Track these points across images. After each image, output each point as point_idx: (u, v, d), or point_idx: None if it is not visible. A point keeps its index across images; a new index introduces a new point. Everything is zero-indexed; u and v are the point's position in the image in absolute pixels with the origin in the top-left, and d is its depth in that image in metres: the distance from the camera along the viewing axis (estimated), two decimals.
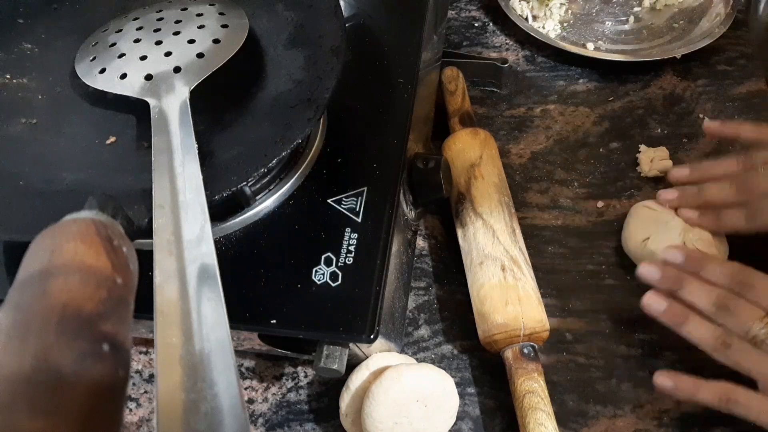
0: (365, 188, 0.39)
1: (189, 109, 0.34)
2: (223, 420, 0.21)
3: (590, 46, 0.61)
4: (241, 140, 0.37)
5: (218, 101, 0.39)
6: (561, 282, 0.49)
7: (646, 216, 0.48)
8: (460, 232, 0.48)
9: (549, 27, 0.63)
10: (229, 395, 0.21)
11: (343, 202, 0.39)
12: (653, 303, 0.40)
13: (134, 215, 0.30)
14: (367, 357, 0.41)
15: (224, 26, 0.39)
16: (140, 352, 0.48)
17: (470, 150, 0.50)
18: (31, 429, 0.18)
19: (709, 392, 0.37)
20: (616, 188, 0.53)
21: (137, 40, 0.39)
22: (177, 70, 0.37)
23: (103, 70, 0.38)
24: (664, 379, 0.38)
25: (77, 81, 0.39)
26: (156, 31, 0.39)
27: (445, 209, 0.51)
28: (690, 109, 0.58)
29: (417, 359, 0.45)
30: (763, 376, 0.36)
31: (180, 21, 0.40)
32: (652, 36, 0.63)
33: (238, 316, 0.36)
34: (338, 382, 0.42)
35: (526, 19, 0.64)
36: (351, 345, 0.37)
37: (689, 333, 0.39)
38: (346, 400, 0.41)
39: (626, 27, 0.64)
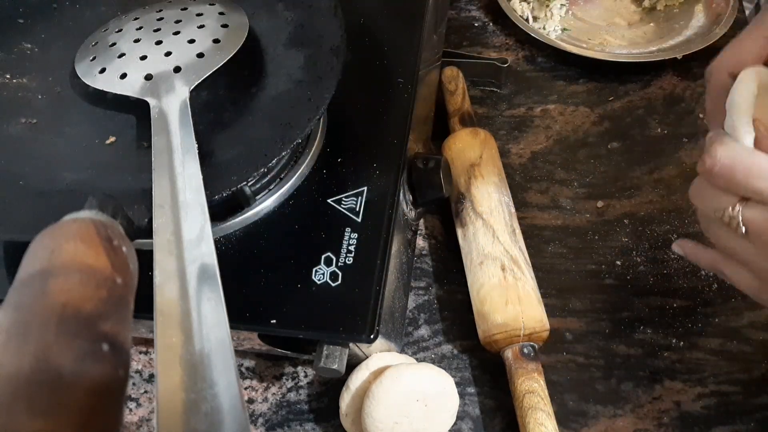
0: (365, 188, 0.39)
1: (189, 109, 0.34)
2: (223, 420, 0.21)
3: (590, 46, 0.61)
4: (241, 140, 0.37)
5: (218, 101, 0.39)
6: (561, 282, 0.49)
7: None
8: (460, 232, 0.48)
9: (549, 27, 0.63)
10: (229, 395, 0.21)
11: (343, 202, 0.39)
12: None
13: (134, 215, 0.30)
14: (367, 357, 0.41)
15: (224, 26, 0.39)
16: (140, 352, 0.48)
17: (470, 150, 0.50)
18: (31, 429, 0.18)
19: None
20: (616, 188, 0.53)
21: (137, 40, 0.39)
22: (177, 69, 0.37)
23: (103, 70, 0.38)
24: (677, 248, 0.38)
25: (77, 81, 0.39)
26: (156, 30, 0.39)
27: (445, 209, 0.51)
28: (690, 108, 0.58)
29: (417, 359, 0.45)
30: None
31: (180, 21, 0.39)
32: (653, 36, 0.63)
33: (238, 316, 0.35)
34: (338, 382, 0.42)
35: (527, 19, 0.64)
36: (351, 345, 0.37)
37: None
38: (346, 400, 0.41)
39: (627, 27, 0.64)
